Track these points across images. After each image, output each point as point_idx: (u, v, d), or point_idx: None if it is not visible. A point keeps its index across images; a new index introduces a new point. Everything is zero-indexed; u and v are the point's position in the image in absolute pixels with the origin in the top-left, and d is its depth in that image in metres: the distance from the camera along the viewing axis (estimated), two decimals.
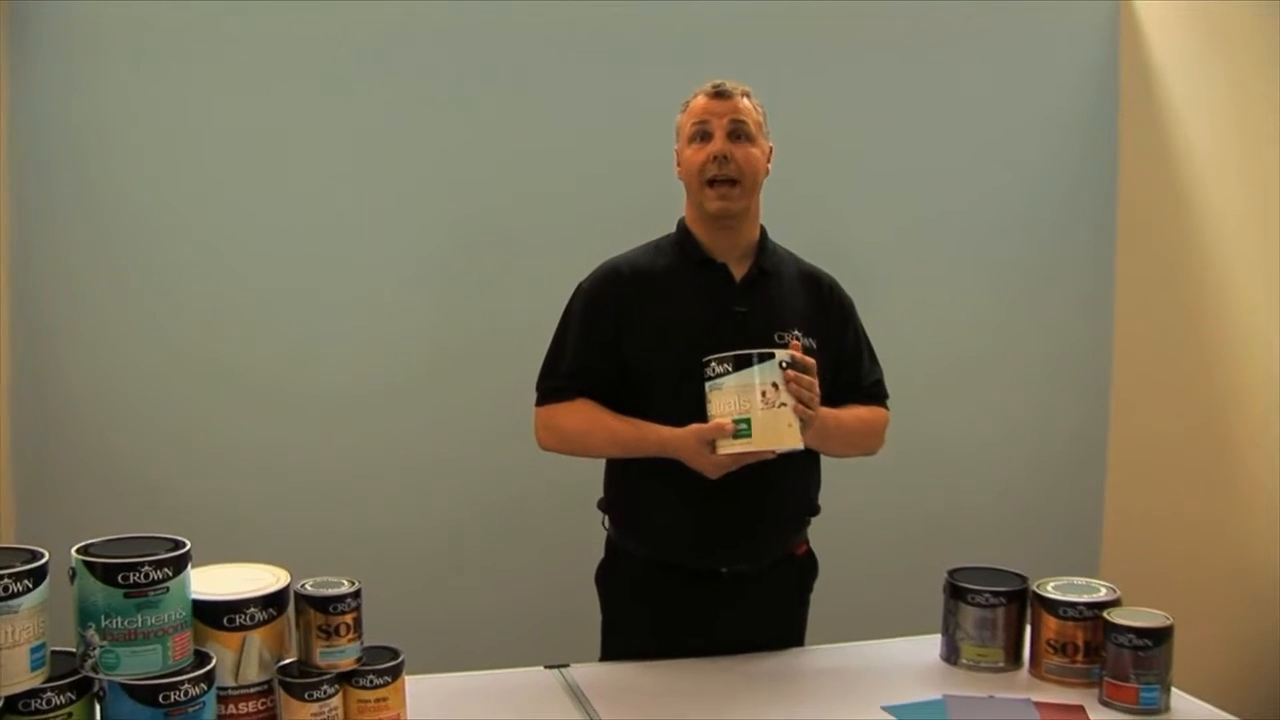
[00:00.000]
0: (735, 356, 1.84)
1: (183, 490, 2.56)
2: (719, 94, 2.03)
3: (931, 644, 2.04)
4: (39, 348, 2.55)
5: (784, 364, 1.84)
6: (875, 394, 2.17)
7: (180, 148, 2.60)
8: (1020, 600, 1.97)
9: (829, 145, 2.99)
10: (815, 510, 2.15)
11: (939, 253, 3.11)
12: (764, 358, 1.83)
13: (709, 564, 2.03)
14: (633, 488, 2.07)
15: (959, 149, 3.11)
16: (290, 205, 2.67)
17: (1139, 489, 3.18)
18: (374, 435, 2.73)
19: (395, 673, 1.63)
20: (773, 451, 1.85)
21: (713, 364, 1.85)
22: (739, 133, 2.01)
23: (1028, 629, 1.97)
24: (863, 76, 3.01)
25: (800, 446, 1.86)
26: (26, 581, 1.36)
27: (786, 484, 2.02)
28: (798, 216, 2.65)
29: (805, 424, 1.85)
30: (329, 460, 2.70)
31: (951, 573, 2.03)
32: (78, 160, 2.54)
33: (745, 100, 2.05)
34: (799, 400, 1.84)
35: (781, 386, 1.83)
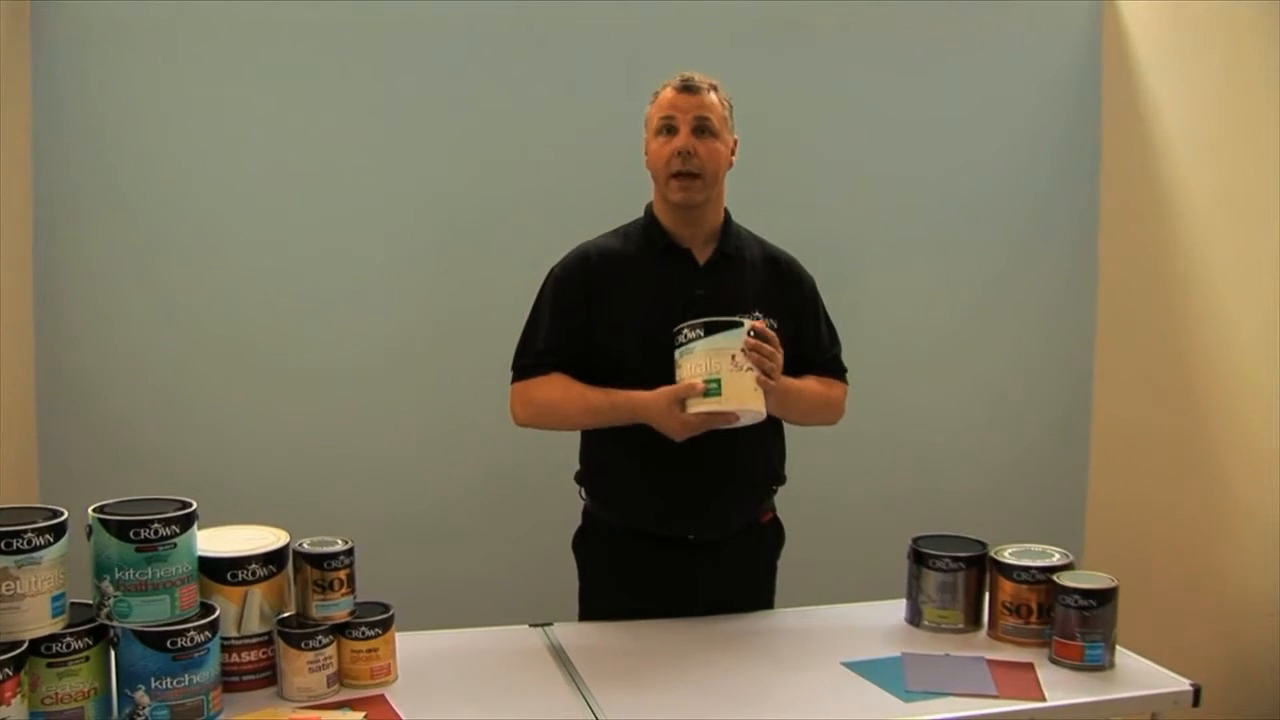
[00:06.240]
0: (706, 323, 1.94)
1: (190, 461, 2.70)
2: (687, 88, 2.09)
3: (897, 608, 2.15)
4: (61, 333, 2.69)
5: (750, 333, 1.94)
6: (833, 368, 2.26)
7: (193, 139, 2.72)
8: (980, 565, 2.08)
9: (817, 137, 3.08)
10: (780, 480, 2.25)
11: (925, 241, 3.19)
12: (733, 325, 1.94)
13: (677, 531, 2.13)
14: (604, 460, 2.18)
15: (944, 143, 3.18)
16: (297, 192, 2.79)
17: (1122, 475, 3.23)
18: (370, 413, 2.86)
19: (385, 625, 1.77)
20: (738, 415, 1.94)
21: (684, 330, 1.96)
22: (703, 128, 2.08)
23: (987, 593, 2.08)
24: (854, 71, 3.09)
25: (764, 413, 1.96)
26: (48, 536, 1.51)
27: (750, 453, 2.11)
28: (784, 206, 2.78)
29: (767, 393, 1.96)
30: (328, 436, 2.83)
31: (915, 539, 2.14)
32: (96, 154, 2.68)
33: (712, 94, 2.11)
34: (760, 369, 1.94)
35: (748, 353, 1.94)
